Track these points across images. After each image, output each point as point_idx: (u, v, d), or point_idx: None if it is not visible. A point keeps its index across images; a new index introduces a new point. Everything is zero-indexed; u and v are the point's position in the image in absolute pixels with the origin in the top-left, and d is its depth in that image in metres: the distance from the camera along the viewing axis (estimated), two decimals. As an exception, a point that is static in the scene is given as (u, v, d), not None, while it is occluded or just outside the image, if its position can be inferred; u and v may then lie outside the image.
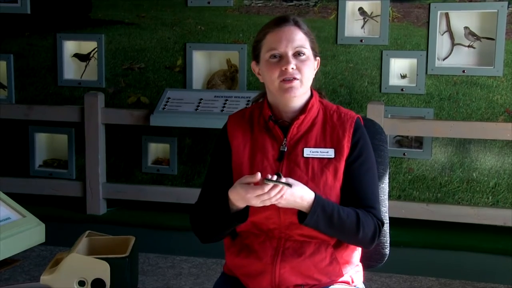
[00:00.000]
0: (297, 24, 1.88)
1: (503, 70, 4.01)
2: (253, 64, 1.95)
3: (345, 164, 1.88)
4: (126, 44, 4.58)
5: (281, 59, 1.85)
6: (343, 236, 1.85)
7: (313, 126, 1.91)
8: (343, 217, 1.79)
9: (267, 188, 1.71)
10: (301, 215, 1.79)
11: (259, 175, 1.72)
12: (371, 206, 1.88)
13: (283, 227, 1.87)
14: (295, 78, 1.84)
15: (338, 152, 1.88)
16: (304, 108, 1.91)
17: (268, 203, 1.74)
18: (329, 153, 1.88)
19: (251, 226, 1.91)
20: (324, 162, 1.87)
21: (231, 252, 1.97)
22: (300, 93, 1.87)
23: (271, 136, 1.92)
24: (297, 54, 1.86)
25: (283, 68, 1.84)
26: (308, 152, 1.88)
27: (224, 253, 2.02)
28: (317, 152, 1.88)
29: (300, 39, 1.86)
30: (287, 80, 1.84)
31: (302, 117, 1.90)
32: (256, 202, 1.73)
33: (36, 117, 4.47)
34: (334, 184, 1.87)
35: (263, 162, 1.89)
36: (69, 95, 4.67)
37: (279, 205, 1.75)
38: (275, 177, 1.71)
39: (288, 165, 1.88)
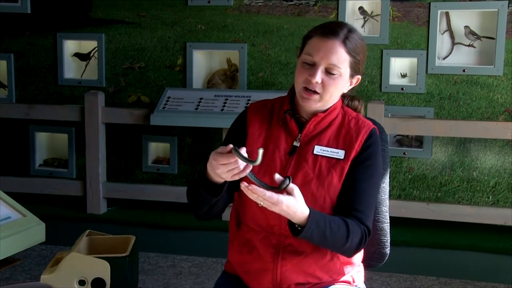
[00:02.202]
0: (344, 41, 1.84)
1: (504, 69, 4.01)
2: (298, 51, 1.96)
3: (351, 163, 1.88)
4: (126, 43, 4.58)
5: (312, 67, 1.85)
6: (331, 247, 1.83)
7: (329, 126, 1.92)
8: (335, 230, 1.78)
9: (231, 158, 1.67)
10: (292, 227, 1.77)
11: (230, 146, 1.68)
12: (362, 210, 1.85)
13: (283, 223, 1.86)
14: (316, 92, 1.85)
15: (347, 154, 1.88)
16: (325, 110, 1.91)
17: (236, 177, 1.70)
18: (339, 154, 1.88)
19: (250, 222, 1.91)
20: (332, 162, 1.87)
21: (233, 247, 1.97)
22: (317, 106, 1.88)
23: (287, 130, 1.93)
24: (329, 70, 1.84)
25: (308, 77, 1.84)
26: (318, 149, 1.88)
27: (224, 252, 2.02)
28: (327, 151, 1.88)
29: (338, 57, 1.84)
30: (308, 91, 1.85)
31: (321, 115, 1.90)
32: (222, 172, 1.69)
33: (37, 116, 4.47)
34: (338, 185, 1.86)
35: (274, 154, 1.90)
36: (70, 95, 4.67)
37: (271, 209, 1.70)
38: (280, 178, 1.69)
39: (297, 160, 1.88)
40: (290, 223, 1.77)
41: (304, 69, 1.86)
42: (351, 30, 1.88)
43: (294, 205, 1.70)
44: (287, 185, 1.69)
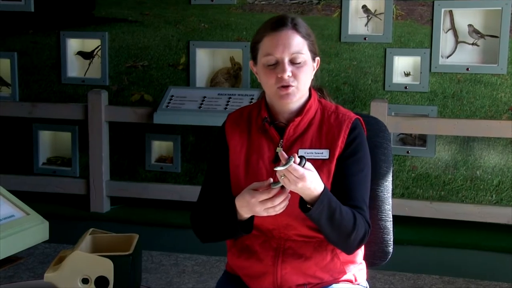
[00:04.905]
0: (295, 28, 1.83)
1: (507, 68, 4.00)
2: (251, 63, 1.93)
3: (337, 160, 1.85)
4: (129, 42, 4.58)
5: (277, 65, 1.82)
6: (338, 234, 1.78)
7: (309, 127, 1.89)
8: (344, 215, 1.76)
9: (272, 192, 1.69)
10: (302, 206, 1.75)
11: (270, 180, 1.70)
12: (359, 207, 1.83)
13: (281, 227, 1.86)
14: (290, 85, 1.82)
15: (332, 153, 1.85)
16: (302, 110, 1.88)
17: (272, 212, 1.71)
18: (324, 154, 1.85)
19: None
20: (318, 164, 1.82)
21: (232, 253, 1.96)
22: (297, 98, 1.85)
23: (268, 137, 1.89)
24: (294, 60, 1.82)
25: (279, 76, 1.81)
26: (302, 153, 1.83)
27: (227, 251, 2.02)
28: (312, 153, 1.85)
29: (297, 44, 1.82)
30: (283, 87, 1.82)
31: (298, 119, 1.87)
32: (260, 209, 1.71)
33: (40, 115, 4.47)
34: (327, 185, 1.82)
35: (259, 163, 1.87)
36: (73, 93, 4.68)
37: (294, 190, 1.69)
38: (298, 160, 1.66)
39: None
40: (301, 202, 1.74)
41: (270, 71, 1.83)
42: (294, 17, 1.87)
43: (315, 180, 1.68)
44: (305, 163, 1.67)
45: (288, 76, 1.81)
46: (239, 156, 1.90)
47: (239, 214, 1.78)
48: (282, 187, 1.70)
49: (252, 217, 1.80)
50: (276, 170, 1.67)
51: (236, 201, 1.76)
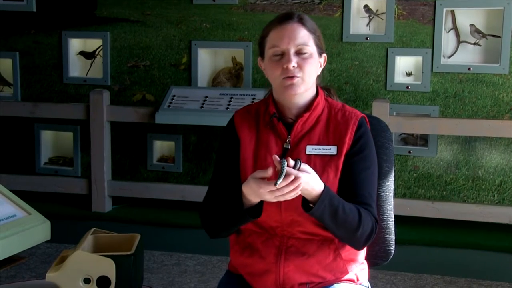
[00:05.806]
0: (301, 21, 1.87)
1: (509, 67, 4.00)
2: (259, 60, 1.96)
3: (345, 157, 1.87)
4: (131, 42, 4.59)
5: (283, 56, 1.85)
6: (343, 231, 1.80)
7: (317, 123, 1.91)
8: (347, 212, 1.77)
9: (280, 185, 1.68)
10: (305, 205, 1.76)
11: (270, 170, 1.70)
12: (366, 203, 1.85)
13: (285, 225, 1.87)
14: (296, 76, 1.84)
15: (339, 149, 1.87)
16: (309, 106, 1.90)
17: (281, 199, 1.70)
18: (332, 150, 1.87)
19: (252, 225, 1.90)
20: (326, 160, 1.86)
21: (235, 251, 1.97)
22: (302, 90, 1.87)
23: (275, 133, 1.91)
24: (300, 51, 1.85)
25: (284, 66, 1.83)
26: (310, 149, 1.87)
27: (229, 251, 2.02)
28: (319, 149, 1.87)
29: (303, 36, 1.85)
30: (288, 77, 1.84)
31: (306, 115, 1.89)
32: (270, 197, 1.70)
33: (42, 115, 4.47)
34: (335, 181, 1.86)
35: (266, 159, 1.88)
36: (75, 93, 4.68)
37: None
38: (292, 163, 1.68)
39: None
40: (303, 201, 1.75)
41: (276, 62, 1.85)
42: (300, 13, 1.91)
43: (312, 181, 1.70)
44: (300, 165, 1.69)
45: (294, 66, 1.83)
46: (248, 150, 1.92)
47: (247, 199, 1.77)
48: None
49: (261, 202, 1.79)
50: (277, 186, 1.67)
51: (244, 188, 1.76)
